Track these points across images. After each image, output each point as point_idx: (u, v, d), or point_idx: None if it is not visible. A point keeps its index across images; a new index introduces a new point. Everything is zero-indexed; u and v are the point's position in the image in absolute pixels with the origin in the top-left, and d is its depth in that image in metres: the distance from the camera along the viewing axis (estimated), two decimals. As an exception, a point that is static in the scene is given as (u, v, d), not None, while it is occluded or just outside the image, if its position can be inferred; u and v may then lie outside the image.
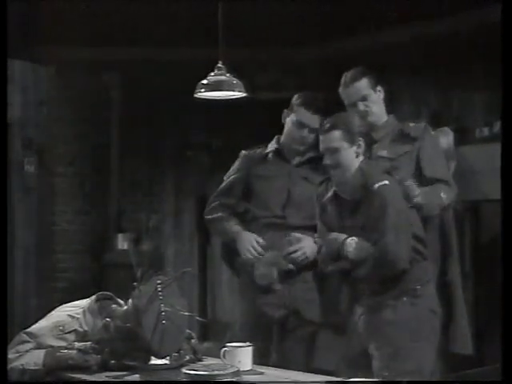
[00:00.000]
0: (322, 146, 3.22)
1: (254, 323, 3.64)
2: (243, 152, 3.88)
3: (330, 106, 3.62)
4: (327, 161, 3.19)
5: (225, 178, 3.89)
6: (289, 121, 3.73)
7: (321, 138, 3.24)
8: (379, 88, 3.52)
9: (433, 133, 3.59)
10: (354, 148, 3.17)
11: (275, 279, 3.61)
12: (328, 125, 3.21)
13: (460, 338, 3.57)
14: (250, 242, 3.65)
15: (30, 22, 5.98)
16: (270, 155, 3.77)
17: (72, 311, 2.88)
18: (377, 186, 3.10)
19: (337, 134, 3.16)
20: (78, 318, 2.85)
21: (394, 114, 3.58)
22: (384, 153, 3.43)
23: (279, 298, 3.62)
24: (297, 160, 3.74)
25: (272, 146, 3.79)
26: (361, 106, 3.48)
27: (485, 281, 4.54)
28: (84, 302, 2.92)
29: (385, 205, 3.09)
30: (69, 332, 2.82)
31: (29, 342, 2.79)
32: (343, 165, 3.17)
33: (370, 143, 3.42)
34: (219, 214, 3.79)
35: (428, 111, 5.50)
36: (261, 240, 3.65)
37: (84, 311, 2.86)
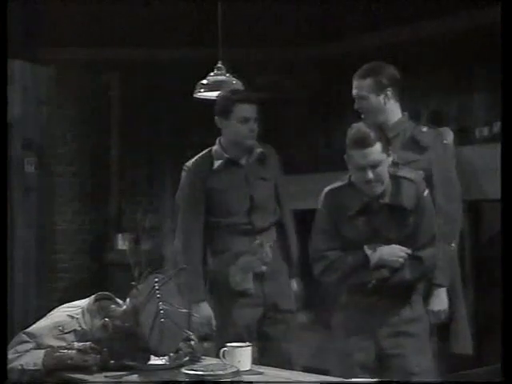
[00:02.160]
0: (360, 162, 2.95)
1: (233, 325, 3.63)
2: (188, 165, 3.75)
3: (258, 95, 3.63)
4: (369, 176, 2.95)
5: (177, 196, 3.82)
6: (231, 123, 3.59)
7: (357, 153, 2.95)
8: (388, 91, 3.40)
9: (445, 142, 3.52)
10: (389, 158, 3.02)
11: (251, 284, 3.62)
12: (366, 137, 2.94)
13: (460, 338, 3.57)
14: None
15: (30, 23, 5.98)
16: (219, 166, 3.65)
17: (71, 311, 2.87)
18: (425, 193, 3.07)
19: (378, 146, 2.95)
20: (77, 318, 2.84)
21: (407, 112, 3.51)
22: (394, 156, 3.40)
23: (255, 299, 3.64)
24: (245, 159, 3.66)
25: (217, 155, 3.66)
26: (356, 104, 3.43)
27: (485, 281, 4.54)
28: (83, 302, 2.91)
29: (433, 211, 3.11)
30: (68, 332, 2.81)
31: (28, 342, 2.79)
32: (383, 177, 2.99)
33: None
34: None
35: (428, 111, 5.50)
36: None
37: (83, 311, 2.86)
